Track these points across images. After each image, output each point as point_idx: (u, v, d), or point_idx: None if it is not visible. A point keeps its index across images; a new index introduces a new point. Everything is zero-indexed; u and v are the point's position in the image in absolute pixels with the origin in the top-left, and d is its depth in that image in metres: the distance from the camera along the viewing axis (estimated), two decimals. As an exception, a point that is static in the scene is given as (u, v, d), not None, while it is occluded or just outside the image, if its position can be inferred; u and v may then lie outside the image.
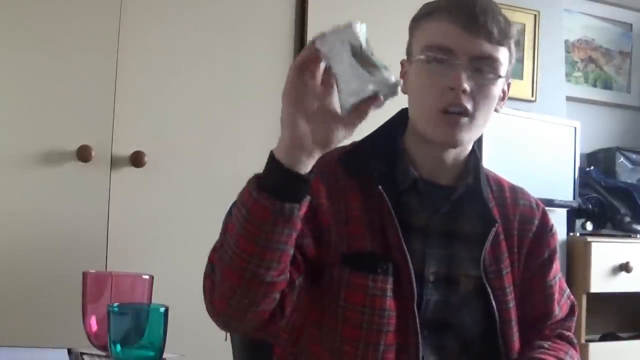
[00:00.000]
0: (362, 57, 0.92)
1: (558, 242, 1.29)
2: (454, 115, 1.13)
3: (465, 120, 1.13)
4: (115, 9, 2.08)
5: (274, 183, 0.95)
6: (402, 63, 1.24)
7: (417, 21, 1.20)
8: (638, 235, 3.12)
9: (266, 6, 2.28)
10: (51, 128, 2.00)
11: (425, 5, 1.19)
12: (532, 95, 3.19)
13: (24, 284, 1.93)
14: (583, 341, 2.94)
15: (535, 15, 3.22)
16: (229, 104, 2.22)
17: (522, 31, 3.21)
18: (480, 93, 1.14)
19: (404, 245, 1.12)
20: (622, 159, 3.36)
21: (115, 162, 2.06)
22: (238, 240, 0.98)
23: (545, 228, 1.26)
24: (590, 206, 3.19)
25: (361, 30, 0.93)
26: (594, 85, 3.61)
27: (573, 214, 3.17)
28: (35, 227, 1.97)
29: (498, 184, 1.28)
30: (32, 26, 2.00)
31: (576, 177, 3.10)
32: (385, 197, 1.13)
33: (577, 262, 3.05)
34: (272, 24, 2.29)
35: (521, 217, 1.25)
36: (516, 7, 3.19)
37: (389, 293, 1.11)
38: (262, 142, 2.26)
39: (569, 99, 3.33)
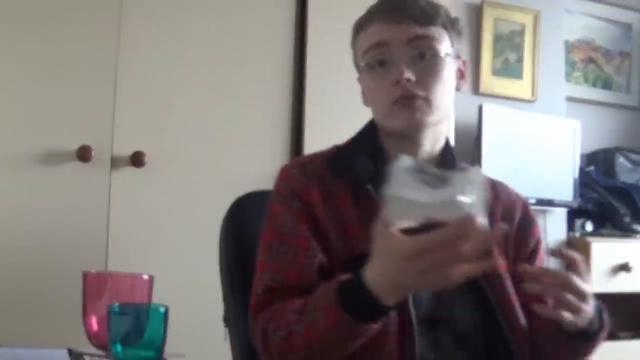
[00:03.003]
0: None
1: (540, 231, 1.30)
2: (406, 99, 1.17)
3: (420, 101, 1.17)
4: (115, 9, 2.08)
5: (366, 312, 0.98)
6: (357, 79, 1.29)
7: (354, 36, 1.26)
8: (638, 235, 3.12)
9: (266, 6, 2.28)
10: (51, 128, 2.00)
11: (358, 20, 1.26)
12: (532, 95, 3.19)
13: (24, 284, 1.93)
14: (583, 341, 2.94)
15: (535, 15, 3.22)
16: (229, 104, 2.22)
17: (522, 31, 3.21)
18: (427, 75, 1.17)
19: None
20: (621, 159, 3.36)
21: (115, 162, 2.06)
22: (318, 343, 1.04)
23: (527, 219, 1.28)
24: (590, 206, 3.19)
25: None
26: (594, 85, 3.61)
27: (573, 214, 3.17)
28: (35, 227, 1.97)
29: None
30: (32, 26, 2.00)
31: (576, 177, 3.11)
32: (375, 195, 1.14)
33: (577, 262, 3.04)
34: (272, 25, 2.29)
35: (503, 210, 1.26)
36: (516, 7, 3.20)
37: None
38: (261, 142, 2.28)
39: (569, 99, 3.34)
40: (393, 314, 1.10)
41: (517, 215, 1.27)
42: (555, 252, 1.14)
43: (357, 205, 1.17)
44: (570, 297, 1.05)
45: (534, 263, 1.25)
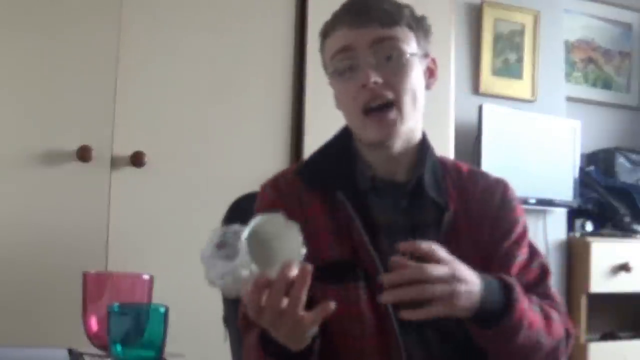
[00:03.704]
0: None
1: (521, 214, 1.27)
2: (378, 112, 1.16)
3: (393, 112, 1.17)
4: (115, 9, 2.08)
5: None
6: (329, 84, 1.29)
7: (321, 42, 1.26)
8: (638, 235, 3.13)
9: (266, 7, 2.28)
10: (51, 128, 2.00)
11: (324, 26, 1.25)
12: (532, 95, 3.19)
13: (24, 284, 1.93)
14: (583, 341, 2.95)
15: (535, 15, 3.22)
16: (229, 104, 2.22)
17: (522, 31, 3.21)
18: (395, 76, 1.17)
19: (368, 246, 1.14)
20: (621, 159, 3.36)
21: (115, 162, 2.06)
22: None
23: (505, 199, 1.26)
24: (590, 206, 3.19)
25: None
26: (594, 85, 3.62)
27: (573, 214, 3.17)
28: (35, 227, 1.97)
29: (456, 169, 1.30)
30: (32, 26, 2.00)
31: (576, 177, 3.11)
32: (345, 200, 1.16)
33: (577, 262, 3.05)
34: (272, 25, 2.29)
35: (481, 190, 1.26)
36: (516, 7, 3.20)
37: (363, 297, 1.13)
38: (261, 143, 2.28)
39: (569, 99, 3.34)
40: (370, 320, 1.13)
41: (496, 198, 1.25)
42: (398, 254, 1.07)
43: (328, 213, 1.18)
44: (433, 288, 1.00)
45: (503, 244, 1.22)
